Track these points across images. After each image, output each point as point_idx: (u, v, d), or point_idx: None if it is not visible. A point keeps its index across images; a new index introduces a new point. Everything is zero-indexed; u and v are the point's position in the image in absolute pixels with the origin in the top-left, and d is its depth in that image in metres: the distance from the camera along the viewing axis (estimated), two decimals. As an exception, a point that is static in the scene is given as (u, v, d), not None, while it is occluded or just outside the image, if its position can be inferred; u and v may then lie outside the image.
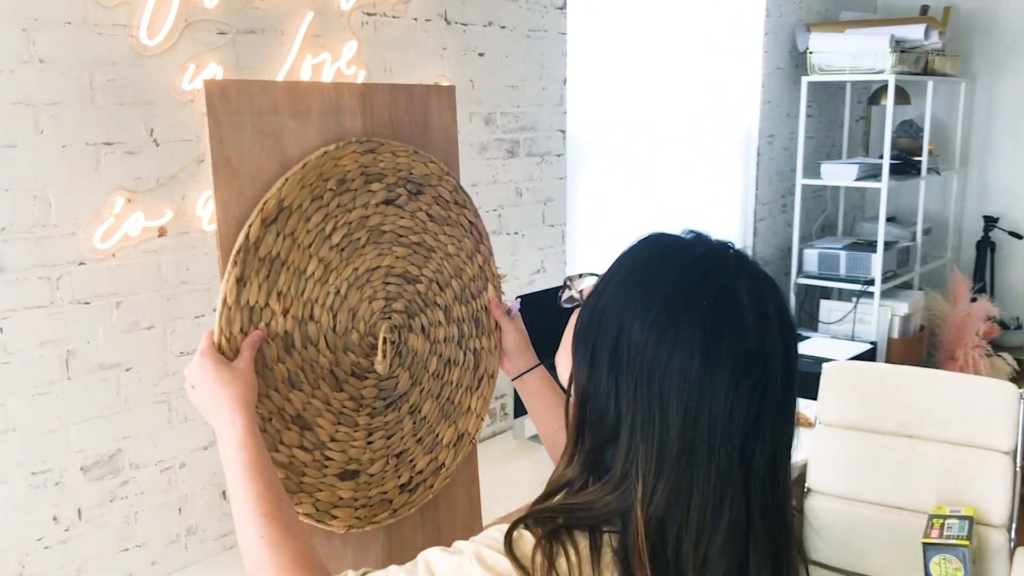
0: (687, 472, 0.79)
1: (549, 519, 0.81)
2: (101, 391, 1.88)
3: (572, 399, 0.88)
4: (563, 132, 3.02)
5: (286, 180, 1.17)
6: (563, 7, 2.94)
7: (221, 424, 1.05)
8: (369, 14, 2.32)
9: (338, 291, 1.24)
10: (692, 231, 0.90)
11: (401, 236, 1.31)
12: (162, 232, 1.95)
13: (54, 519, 1.83)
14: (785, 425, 0.84)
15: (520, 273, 2.92)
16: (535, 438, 2.71)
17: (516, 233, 2.89)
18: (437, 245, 1.36)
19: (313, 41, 2.18)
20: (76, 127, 1.78)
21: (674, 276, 0.84)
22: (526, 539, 0.80)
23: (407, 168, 1.32)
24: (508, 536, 0.81)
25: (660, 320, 0.81)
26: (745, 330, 0.81)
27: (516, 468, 2.60)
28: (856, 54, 4.09)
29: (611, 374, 0.83)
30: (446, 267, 1.37)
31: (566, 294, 1.00)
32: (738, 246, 0.91)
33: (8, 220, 1.71)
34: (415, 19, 2.45)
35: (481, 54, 2.67)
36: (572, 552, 0.79)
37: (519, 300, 1.47)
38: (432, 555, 0.85)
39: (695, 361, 0.79)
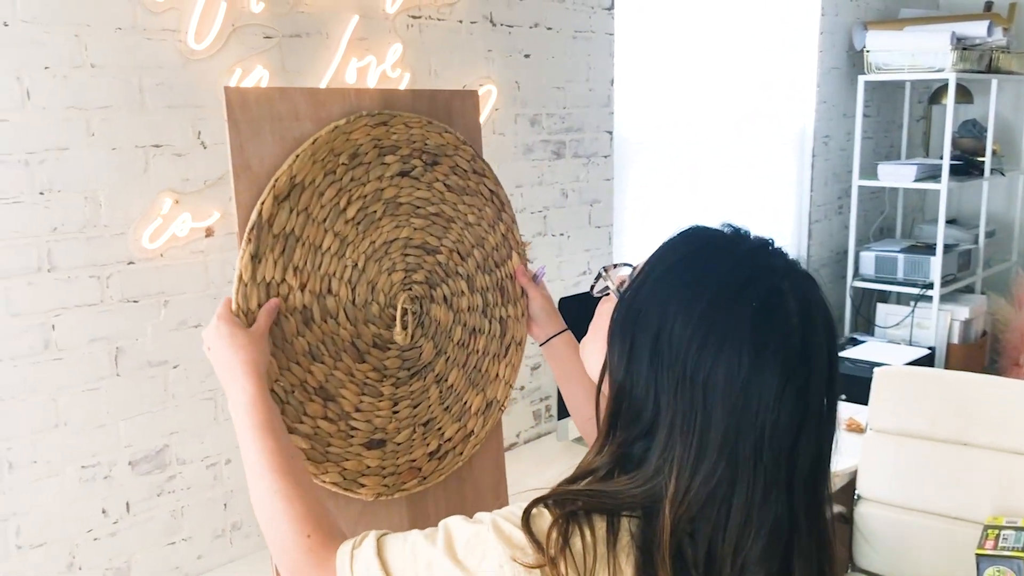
0: (728, 473, 0.78)
1: (570, 501, 0.81)
2: (149, 388, 1.93)
3: (607, 391, 0.88)
4: (610, 133, 3.00)
5: (297, 156, 1.19)
6: (611, 8, 2.92)
7: (233, 386, 1.08)
8: (414, 17, 2.34)
9: (355, 264, 1.25)
10: (731, 225, 0.89)
11: (418, 207, 1.32)
12: (209, 232, 1.98)
13: (103, 512, 1.88)
14: (828, 425, 0.83)
15: (566, 275, 2.91)
16: (579, 440, 2.70)
17: (562, 235, 2.88)
18: (456, 215, 1.36)
19: (358, 44, 2.21)
20: (126, 130, 1.83)
21: (719, 274, 0.83)
22: (544, 516, 0.81)
23: (421, 139, 1.32)
24: (527, 512, 0.81)
25: (706, 319, 0.80)
26: (790, 331, 0.80)
27: (560, 470, 2.58)
28: (916, 52, 4.00)
29: (651, 370, 0.82)
30: (467, 237, 1.37)
31: (600, 284, 0.99)
32: (790, 248, 0.90)
33: (60, 220, 1.76)
34: (460, 21, 2.46)
35: (527, 56, 2.67)
36: (588, 533, 0.79)
37: (544, 267, 1.50)
38: (453, 522, 0.86)
39: (744, 363, 0.78)
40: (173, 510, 1.99)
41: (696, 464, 0.79)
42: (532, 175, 2.74)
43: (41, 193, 1.73)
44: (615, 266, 1.00)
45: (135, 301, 1.88)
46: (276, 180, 1.18)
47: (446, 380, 1.36)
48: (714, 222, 0.91)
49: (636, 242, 3.27)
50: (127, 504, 1.91)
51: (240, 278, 1.15)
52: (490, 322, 1.41)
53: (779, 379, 0.78)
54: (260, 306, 1.15)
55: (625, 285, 0.90)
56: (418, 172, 1.32)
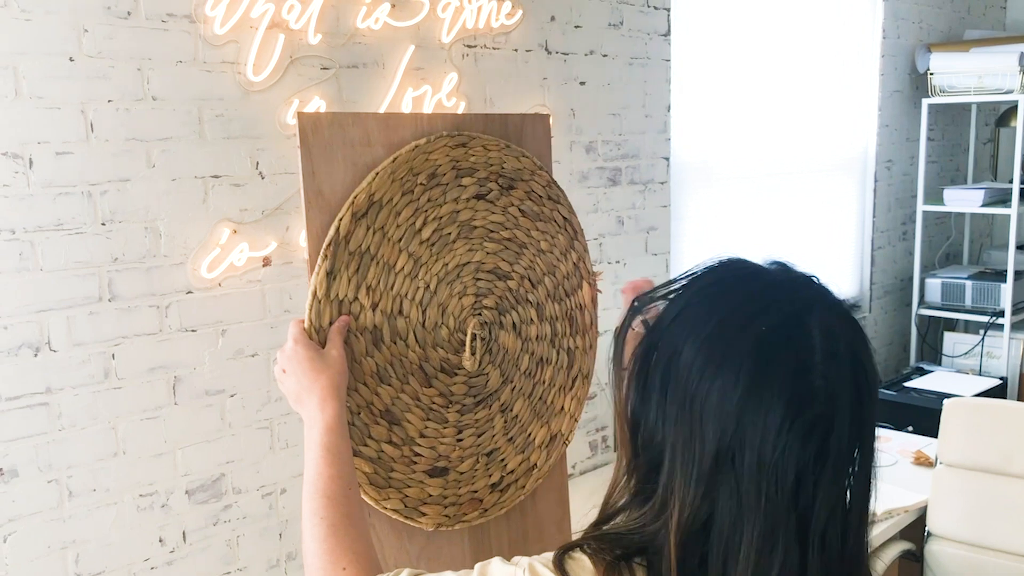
0: (732, 506, 0.73)
1: (606, 548, 0.78)
2: (206, 416, 1.93)
3: (621, 422, 0.84)
4: (667, 159, 2.97)
5: (376, 174, 1.18)
6: (667, 34, 2.90)
7: (310, 409, 1.07)
8: (469, 46, 2.34)
9: (427, 286, 1.24)
10: (777, 261, 0.84)
11: (492, 231, 1.30)
12: (266, 262, 2.00)
13: (160, 540, 1.89)
14: (854, 479, 0.76)
15: (623, 303, 2.87)
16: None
17: (618, 262, 2.85)
18: (529, 241, 1.34)
19: (414, 74, 2.22)
20: (185, 161, 1.85)
21: (735, 300, 0.79)
22: (581, 563, 0.78)
23: (499, 162, 1.31)
24: (561, 557, 0.78)
25: (711, 342, 0.76)
26: (809, 366, 0.74)
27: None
28: (982, 74, 3.90)
29: (661, 397, 0.78)
30: (539, 264, 1.35)
31: (638, 321, 0.94)
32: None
33: (121, 251, 1.78)
34: (515, 50, 2.46)
35: (582, 83, 2.65)
36: None
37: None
38: (489, 564, 0.84)
39: (739, 388, 0.73)
40: (228, 539, 1.99)
41: (694, 494, 0.74)
42: (587, 202, 2.72)
43: (103, 224, 1.75)
44: (651, 298, 0.94)
45: (193, 330, 1.90)
46: (355, 197, 1.17)
47: (511, 410, 1.34)
48: (760, 256, 0.87)
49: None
50: (183, 533, 1.92)
51: (314, 294, 1.14)
52: (558, 352, 1.39)
53: (784, 411, 0.73)
54: (332, 324, 1.14)
55: (650, 315, 0.87)
56: (494, 196, 1.31)
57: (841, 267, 4.06)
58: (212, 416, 1.94)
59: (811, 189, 3.79)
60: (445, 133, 1.26)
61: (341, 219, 1.15)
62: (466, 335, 1.27)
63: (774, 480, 0.72)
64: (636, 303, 0.89)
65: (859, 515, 0.78)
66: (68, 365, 1.74)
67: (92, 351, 1.76)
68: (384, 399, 1.20)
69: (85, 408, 1.76)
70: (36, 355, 1.70)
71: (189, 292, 1.88)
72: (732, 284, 0.82)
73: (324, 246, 1.15)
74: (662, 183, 2.97)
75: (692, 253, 3.20)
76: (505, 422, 1.33)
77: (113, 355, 1.79)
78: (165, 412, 1.87)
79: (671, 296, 0.84)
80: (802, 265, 0.84)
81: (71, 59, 1.69)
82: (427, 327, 1.24)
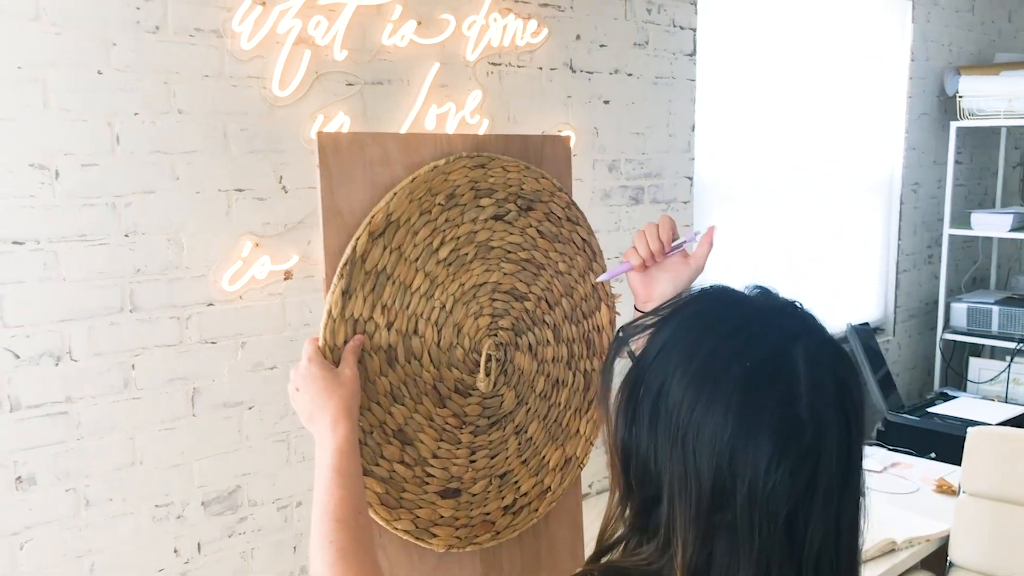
0: (728, 541, 0.73)
1: None
2: (224, 428, 1.94)
3: (612, 455, 0.83)
4: (690, 179, 2.96)
5: (394, 194, 1.18)
6: (692, 53, 2.90)
7: (322, 428, 1.06)
8: (494, 64, 2.35)
9: (443, 306, 1.23)
10: (758, 287, 0.84)
11: (510, 252, 1.30)
12: (287, 276, 2.01)
13: (175, 551, 1.89)
14: (844, 504, 0.76)
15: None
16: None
17: (639, 281, 2.83)
18: (547, 262, 1.34)
19: (438, 91, 2.23)
20: (209, 174, 1.87)
21: (722, 331, 0.78)
22: None
23: (518, 183, 1.30)
24: None
25: (699, 377, 0.75)
26: (794, 397, 0.74)
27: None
28: (1012, 97, 3.86)
29: (651, 430, 0.77)
30: (556, 285, 1.34)
31: (625, 352, 0.92)
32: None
33: (143, 262, 1.79)
34: (540, 68, 2.46)
35: (606, 101, 2.65)
36: None
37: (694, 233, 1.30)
38: None
39: (729, 423, 0.72)
40: (243, 551, 2.00)
41: (696, 531, 0.74)
42: (609, 221, 2.71)
43: (126, 235, 1.77)
44: (636, 326, 0.92)
45: (213, 342, 1.91)
46: (373, 216, 1.17)
47: (525, 432, 1.33)
48: (743, 282, 0.86)
49: (715, 290, 3.19)
50: (198, 544, 1.92)
51: (329, 313, 1.14)
52: (574, 375, 1.38)
53: (774, 445, 0.72)
54: (347, 342, 1.14)
55: (637, 346, 0.86)
56: (512, 217, 1.30)
57: (865, 290, 4.02)
58: (229, 428, 1.95)
59: (836, 211, 3.76)
60: (464, 154, 1.26)
61: (358, 238, 1.15)
62: (481, 356, 1.26)
63: (767, 515, 0.72)
64: (621, 333, 0.87)
65: (851, 537, 0.78)
66: (88, 375, 1.75)
67: (112, 361, 1.78)
68: (397, 419, 1.19)
69: (104, 418, 1.78)
70: (57, 364, 1.71)
71: (210, 304, 1.89)
72: (716, 315, 0.81)
73: (340, 265, 1.14)
74: (685, 202, 2.96)
75: (714, 274, 3.18)
76: (519, 444, 1.32)
77: (133, 365, 1.80)
78: (183, 423, 1.88)
79: (656, 326, 0.83)
80: (784, 291, 0.84)
81: (99, 72, 1.71)
82: (442, 347, 1.24)
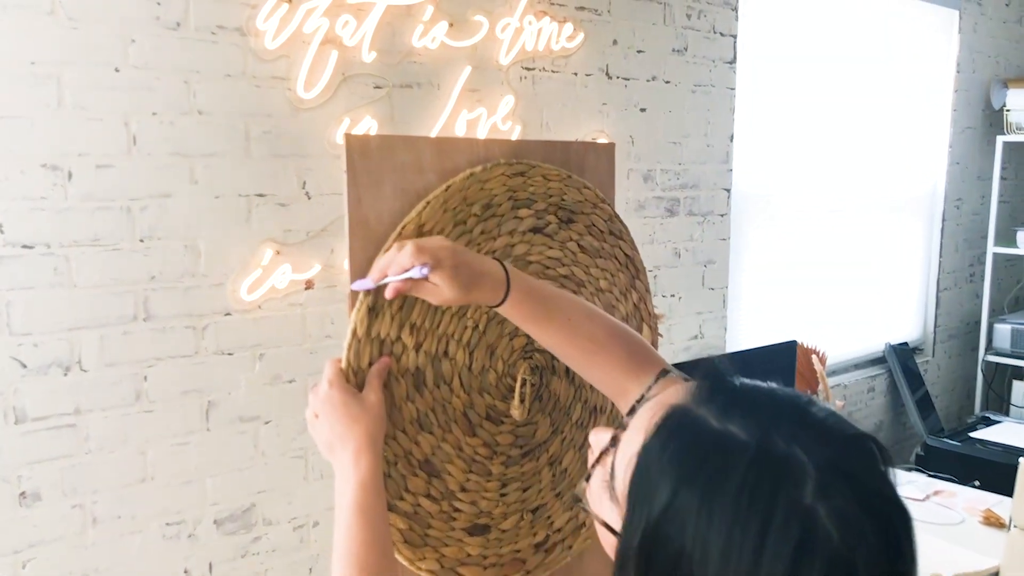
0: None
1: None
2: (239, 444, 1.86)
3: None
4: (728, 191, 2.85)
5: (427, 203, 1.09)
6: (732, 61, 2.79)
7: (343, 461, 0.97)
8: (528, 68, 2.26)
9: (476, 326, 1.14)
10: (741, 383, 0.65)
11: (548, 268, 1.20)
12: (309, 285, 1.92)
13: (185, 572, 1.81)
14: None
15: (675, 338, 2.76)
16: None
17: (672, 296, 2.73)
18: (588, 279, 1.24)
19: (469, 96, 2.14)
20: (230, 178, 1.79)
21: (724, 517, 0.58)
22: None
23: (559, 194, 1.21)
24: None
25: (730, 553, 0.58)
26: (834, 561, 0.57)
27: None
28: (1061, 112, 3.72)
29: None
30: (597, 303, 1.25)
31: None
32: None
33: (159, 269, 1.72)
34: (575, 73, 2.37)
35: (643, 109, 2.55)
36: None
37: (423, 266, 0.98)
38: None
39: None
40: (257, 572, 1.91)
41: None
42: (643, 232, 2.61)
43: (141, 240, 1.69)
44: (610, 445, 0.76)
45: (230, 354, 1.82)
46: (403, 227, 1.08)
47: (560, 463, 1.23)
48: (703, 379, 0.66)
49: (754, 306, 3.09)
50: (210, 564, 1.84)
51: (354, 333, 1.05)
52: (613, 403, 1.28)
53: None
54: (372, 365, 1.05)
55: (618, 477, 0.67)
56: (552, 229, 1.21)
57: (905, 309, 3.89)
58: (245, 443, 1.87)
59: (875, 227, 3.64)
60: (503, 161, 1.17)
61: (387, 251, 1.06)
62: (515, 380, 1.17)
63: None
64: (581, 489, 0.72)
65: None
66: (99, 386, 1.67)
67: (124, 372, 1.70)
68: (424, 448, 1.10)
69: (114, 431, 1.70)
70: (66, 374, 1.64)
71: (227, 314, 1.81)
72: (708, 480, 0.60)
73: None
74: (722, 215, 2.85)
75: (751, 289, 3.07)
76: (553, 476, 1.23)
77: (146, 377, 1.72)
78: (197, 438, 1.80)
79: (639, 476, 0.64)
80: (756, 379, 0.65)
81: (116, 70, 1.64)
82: (473, 371, 1.14)
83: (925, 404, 3.72)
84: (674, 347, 2.75)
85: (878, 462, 0.60)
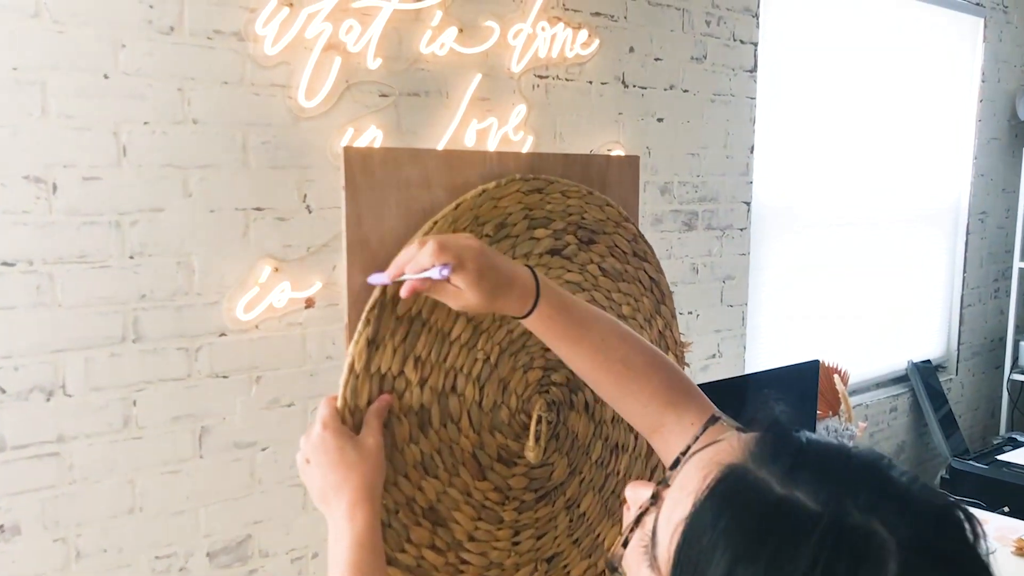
0: None
1: None
2: (234, 471, 1.76)
3: None
4: (747, 204, 2.74)
5: (435, 223, 0.99)
6: (753, 70, 2.69)
7: (337, 513, 0.88)
8: (541, 76, 2.16)
9: (487, 358, 1.04)
10: (808, 439, 0.55)
11: None
12: (309, 303, 1.82)
13: (175, 608, 1.71)
14: None
15: (692, 358, 2.65)
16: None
17: (690, 313, 2.62)
18: (610, 305, 1.14)
19: (479, 104, 2.04)
20: (226, 191, 1.69)
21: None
22: None
23: (579, 212, 1.11)
24: None
25: None
26: None
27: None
28: (1089, 123, 3.60)
29: None
30: None
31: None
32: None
33: (149, 287, 1.62)
34: (590, 82, 2.27)
35: (660, 119, 2.45)
36: None
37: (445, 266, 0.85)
38: None
39: None
40: (252, 608, 1.81)
41: None
42: (660, 247, 2.51)
43: (131, 257, 1.60)
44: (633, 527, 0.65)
45: (224, 376, 1.72)
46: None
47: (578, 506, 1.13)
48: (785, 432, 0.56)
49: (774, 323, 2.98)
50: (202, 600, 1.74)
51: (351, 368, 0.95)
52: (636, 438, 1.18)
53: None
54: (371, 403, 0.95)
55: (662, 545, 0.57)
56: (571, 251, 1.11)
57: (927, 325, 3.77)
58: (240, 471, 1.76)
59: (898, 240, 3.53)
60: (518, 176, 1.07)
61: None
62: (530, 418, 1.06)
63: None
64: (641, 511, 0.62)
65: None
66: (84, 411, 1.57)
67: (111, 396, 1.60)
68: (428, 495, 0.99)
69: (100, 459, 1.60)
70: (48, 399, 1.54)
71: (222, 334, 1.71)
72: (783, 545, 0.50)
73: (367, 308, 0.95)
74: (742, 229, 2.74)
75: (772, 305, 2.96)
76: (570, 521, 1.12)
77: (135, 401, 1.63)
78: (189, 466, 1.70)
79: (688, 527, 0.54)
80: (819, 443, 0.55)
81: (105, 76, 1.54)
82: (484, 408, 1.04)
83: (949, 424, 3.60)
84: (691, 367, 2.64)
85: (969, 538, 0.50)
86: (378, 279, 0.92)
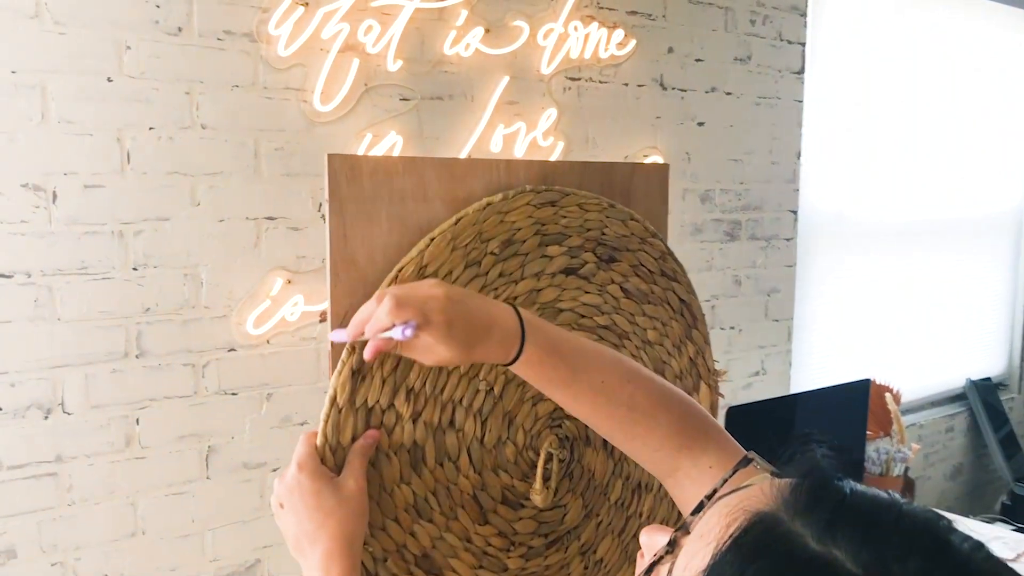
0: None
1: None
2: (243, 493, 1.68)
3: None
4: (794, 213, 2.61)
5: (432, 240, 0.89)
6: (800, 71, 2.55)
7: (311, 563, 0.79)
8: (572, 79, 2.05)
9: (490, 389, 0.93)
10: (852, 490, 0.47)
11: (584, 316, 1.00)
12: (323, 317, 1.73)
13: (180, 636, 1.63)
14: None
15: (735, 375, 2.52)
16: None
17: (732, 328, 2.49)
18: (633, 330, 1.03)
19: (507, 108, 1.94)
20: (236, 199, 1.61)
21: None
22: None
23: (599, 227, 1.00)
24: None
25: None
26: None
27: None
28: None
29: None
30: (644, 358, 1.03)
31: None
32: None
33: (154, 300, 1.55)
34: (625, 84, 2.15)
35: (701, 123, 2.33)
36: None
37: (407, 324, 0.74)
38: None
39: None
40: (262, 635, 1.73)
41: None
42: (700, 258, 2.38)
43: (134, 268, 1.52)
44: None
45: (233, 394, 1.65)
46: (400, 269, 0.88)
47: (594, 552, 1.02)
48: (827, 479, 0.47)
49: (822, 339, 2.83)
50: (209, 627, 1.66)
51: (333, 401, 0.85)
52: None
53: None
54: (356, 440, 0.85)
55: None
56: (589, 270, 1.00)
57: (987, 340, 3.59)
58: (250, 492, 1.69)
59: (955, 251, 3.35)
60: (529, 187, 0.96)
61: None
62: (539, 455, 0.96)
63: None
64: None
65: None
66: (83, 430, 1.51)
67: (113, 414, 1.53)
68: (422, 541, 0.90)
69: (100, 480, 1.53)
70: (46, 417, 1.47)
71: (231, 350, 1.63)
72: None
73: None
74: (788, 239, 2.60)
75: (820, 321, 2.81)
76: (585, 568, 1.01)
77: (137, 420, 1.55)
78: (195, 487, 1.62)
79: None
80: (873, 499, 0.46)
81: (108, 79, 1.48)
82: (486, 444, 0.94)
83: (1010, 445, 3.41)
84: (733, 384, 2.51)
85: None
86: (338, 336, 0.81)
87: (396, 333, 0.74)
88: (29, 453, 1.46)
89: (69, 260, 1.47)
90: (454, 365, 0.85)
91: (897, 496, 0.47)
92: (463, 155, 1.86)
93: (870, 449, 2.68)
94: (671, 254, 1.07)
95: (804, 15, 2.54)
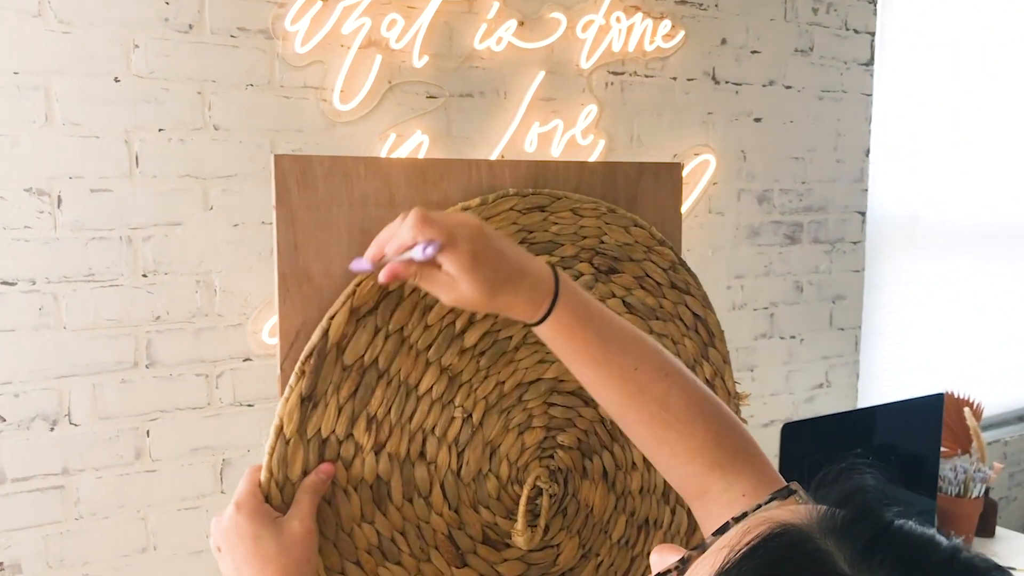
0: None
1: None
2: (260, 508, 1.61)
3: None
4: (862, 214, 2.44)
5: None
6: (869, 63, 2.38)
7: None
8: (615, 73, 1.94)
9: (468, 416, 0.83)
10: (897, 523, 0.41)
11: None
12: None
13: (193, 656, 1.58)
14: None
15: (796, 387, 2.36)
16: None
17: (793, 337, 2.34)
18: None
19: (542, 106, 1.83)
20: (251, 203, 1.55)
21: None
22: None
23: (596, 234, 0.89)
24: None
25: None
26: None
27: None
28: None
29: None
30: None
31: None
32: None
33: (165, 308, 1.49)
34: (674, 78, 2.03)
35: (757, 119, 2.18)
36: None
37: (429, 244, 0.66)
38: None
39: None
40: (280, 656, 1.66)
41: None
42: (758, 263, 2.24)
43: (144, 275, 1.47)
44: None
45: (249, 405, 1.58)
46: (359, 284, 0.79)
47: None
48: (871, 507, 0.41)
49: (892, 350, 2.64)
50: (224, 647, 1.60)
51: (279, 431, 0.77)
52: (673, 511, 0.95)
53: None
54: (306, 475, 0.77)
55: None
56: (585, 282, 0.90)
57: (959, 545, 3.32)
58: (268, 508, 1.62)
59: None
60: (513, 191, 0.86)
61: (333, 317, 0.77)
62: (523, 489, 0.85)
63: None
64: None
65: None
66: (91, 442, 1.46)
67: (122, 426, 1.48)
68: None
69: (109, 494, 1.48)
70: (52, 429, 1.43)
71: (246, 359, 1.57)
72: None
73: (303, 357, 0.77)
74: (855, 243, 2.43)
75: (891, 329, 2.63)
76: None
77: (148, 432, 1.50)
78: (209, 501, 1.57)
79: None
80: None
81: (116, 79, 1.43)
82: (464, 478, 0.84)
83: (1106, 465, 3.15)
84: (794, 398, 2.35)
85: None
86: (360, 265, 0.72)
87: (417, 252, 0.64)
88: (35, 465, 1.42)
89: (75, 267, 1.42)
90: (474, 309, 0.76)
91: (959, 542, 0.41)
92: (495, 156, 1.77)
93: (946, 468, 2.49)
94: (683, 264, 0.96)
95: (873, 2, 2.37)
